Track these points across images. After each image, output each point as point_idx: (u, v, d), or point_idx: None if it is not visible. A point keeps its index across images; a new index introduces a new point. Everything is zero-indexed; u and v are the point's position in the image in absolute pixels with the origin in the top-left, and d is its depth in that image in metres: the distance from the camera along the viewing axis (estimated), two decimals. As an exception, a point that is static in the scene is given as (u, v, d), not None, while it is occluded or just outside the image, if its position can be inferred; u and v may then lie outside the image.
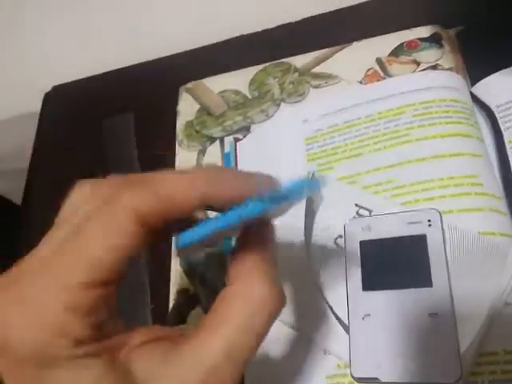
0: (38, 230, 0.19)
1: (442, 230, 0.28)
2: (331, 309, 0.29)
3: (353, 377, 0.27)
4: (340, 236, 0.30)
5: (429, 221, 0.28)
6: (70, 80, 0.57)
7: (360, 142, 0.35)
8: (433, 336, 0.26)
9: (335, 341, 0.27)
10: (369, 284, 0.28)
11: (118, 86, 0.53)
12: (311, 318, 0.29)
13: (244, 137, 0.42)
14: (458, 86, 0.35)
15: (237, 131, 0.43)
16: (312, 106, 0.38)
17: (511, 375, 0.26)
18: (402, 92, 0.35)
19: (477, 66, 0.39)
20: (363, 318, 0.27)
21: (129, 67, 0.54)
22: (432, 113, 0.34)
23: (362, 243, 0.29)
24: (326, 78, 0.42)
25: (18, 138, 0.64)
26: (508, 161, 0.33)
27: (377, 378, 0.26)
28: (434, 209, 0.29)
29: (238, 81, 0.46)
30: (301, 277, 0.30)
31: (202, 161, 0.43)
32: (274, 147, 0.39)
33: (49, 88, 0.58)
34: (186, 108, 0.46)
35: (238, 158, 0.41)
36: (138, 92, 0.51)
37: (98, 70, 0.55)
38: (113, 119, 0.52)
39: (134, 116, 0.50)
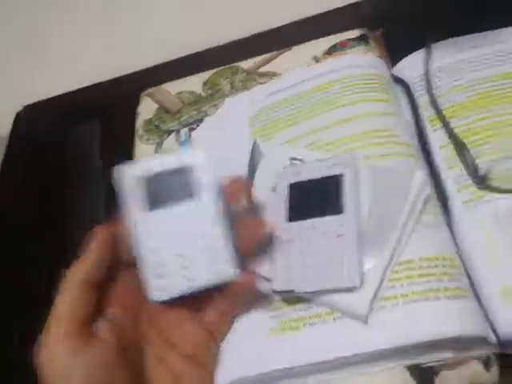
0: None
1: (356, 169, 0.32)
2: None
3: (273, 291, 0.30)
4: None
5: (346, 163, 0.32)
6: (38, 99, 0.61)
7: (297, 113, 0.40)
8: (339, 254, 0.29)
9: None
10: (293, 216, 0.32)
11: (84, 102, 0.57)
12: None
13: (197, 126, 0.47)
14: (377, 64, 0.42)
15: (191, 123, 0.47)
16: (258, 90, 0.44)
17: (426, 278, 0.29)
18: (332, 70, 0.41)
19: (397, 55, 0.45)
20: (286, 244, 0.31)
21: (94, 85, 0.59)
22: (355, 84, 0.40)
23: (291, 185, 0.33)
24: (271, 75, 0.48)
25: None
26: (420, 119, 0.38)
27: (293, 290, 0.30)
28: (350, 153, 0.33)
29: (192, 83, 0.51)
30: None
31: (158, 152, 0.47)
32: (222, 131, 0.43)
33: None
34: (146, 108, 0.51)
35: (192, 145, 0.45)
36: (103, 104, 0.56)
37: (66, 89, 0.59)
38: (78, 128, 0.56)
39: (99, 124, 0.55)
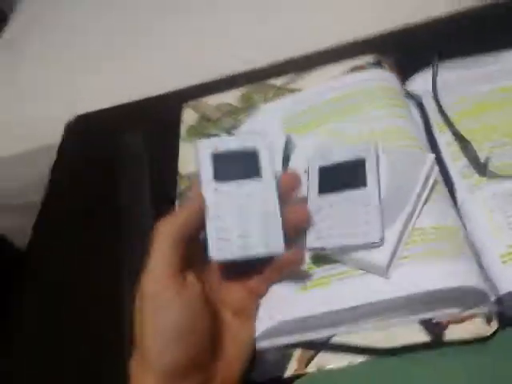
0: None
1: (377, 155, 0.38)
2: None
3: (307, 248, 0.36)
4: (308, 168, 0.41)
5: (368, 149, 0.39)
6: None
7: (323, 116, 0.47)
8: (364, 218, 0.36)
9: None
10: (323, 189, 0.38)
11: (133, 117, 0.64)
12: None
13: (235, 130, 0.54)
14: (391, 80, 0.49)
15: (229, 129, 0.55)
16: (288, 97, 0.51)
17: (436, 241, 0.35)
18: (354, 82, 0.49)
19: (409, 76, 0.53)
20: (317, 211, 0.37)
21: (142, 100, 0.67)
22: (374, 94, 0.47)
23: (321, 167, 0.39)
24: (297, 91, 0.56)
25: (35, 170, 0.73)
26: (430, 124, 0.45)
27: (324, 248, 0.36)
28: (371, 141, 0.40)
29: (230, 97, 0.58)
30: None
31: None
32: (259, 131, 0.50)
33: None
34: (188, 117, 0.58)
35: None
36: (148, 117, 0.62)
37: (116, 102, 0.67)
38: (125, 137, 0.63)
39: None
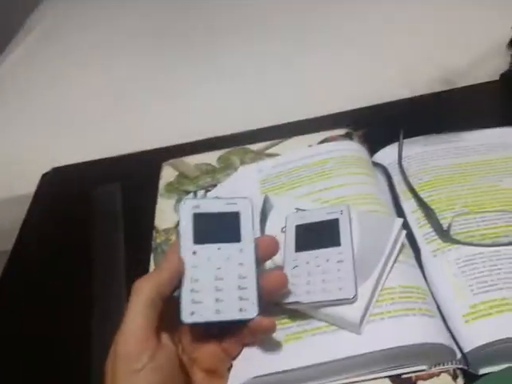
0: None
1: (349, 216, 0.41)
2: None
3: (283, 302, 0.37)
4: (285, 227, 0.43)
5: (341, 211, 0.41)
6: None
7: (298, 180, 0.50)
8: (338, 275, 0.37)
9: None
10: (299, 247, 0.40)
11: (111, 172, 0.66)
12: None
13: (212, 189, 0.56)
14: (361, 150, 0.53)
15: (207, 187, 0.57)
16: (266, 162, 0.55)
17: (405, 300, 0.37)
18: (328, 150, 0.52)
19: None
20: (293, 268, 0.39)
21: (122, 156, 0.68)
22: (346, 162, 0.50)
23: (297, 226, 0.41)
24: (274, 156, 0.59)
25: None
26: (395, 191, 0.49)
27: (298, 302, 0.37)
28: (344, 204, 0.43)
29: (208, 157, 0.61)
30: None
31: (177, 207, 0.55)
32: (236, 190, 0.53)
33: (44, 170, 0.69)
34: (167, 174, 0.60)
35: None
36: (125, 173, 0.64)
37: (94, 156, 0.69)
38: (101, 188, 0.64)
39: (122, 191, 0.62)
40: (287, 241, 0.41)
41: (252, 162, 0.58)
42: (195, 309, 0.34)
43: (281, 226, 0.43)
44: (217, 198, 0.40)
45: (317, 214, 0.42)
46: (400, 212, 0.47)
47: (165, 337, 0.33)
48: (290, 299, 0.37)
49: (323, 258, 0.38)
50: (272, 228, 0.44)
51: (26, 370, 0.45)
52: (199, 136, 0.67)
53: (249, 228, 0.37)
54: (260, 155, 0.60)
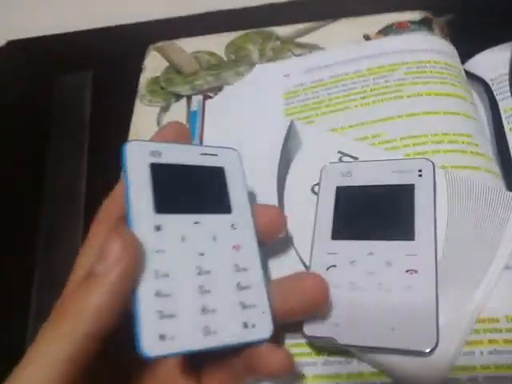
0: None
1: (434, 181, 0.24)
2: (301, 260, 0.23)
3: (304, 335, 0.21)
4: (318, 184, 0.26)
5: (419, 171, 0.24)
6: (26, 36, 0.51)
7: (346, 97, 0.31)
8: (407, 296, 0.21)
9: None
10: (339, 232, 0.23)
11: (80, 47, 0.48)
12: (281, 269, 0.23)
13: (215, 95, 0.38)
14: (451, 53, 0.33)
15: (207, 90, 0.38)
16: (295, 62, 0.35)
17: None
18: (395, 51, 0.32)
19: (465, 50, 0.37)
20: (327, 269, 0.22)
21: (93, 30, 0.50)
22: (426, 72, 0.31)
23: (339, 189, 0.24)
24: (311, 47, 0.39)
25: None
26: (503, 128, 0.30)
27: (332, 338, 0.21)
28: (426, 158, 0.25)
29: (213, 43, 0.42)
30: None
31: (163, 118, 0.38)
32: (249, 103, 0.35)
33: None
34: (153, 64, 0.42)
35: (205, 117, 0.37)
36: (101, 53, 0.46)
37: (60, 30, 0.50)
38: (69, 76, 0.47)
39: (93, 74, 0.46)
40: (320, 215, 0.24)
41: (275, 55, 0.39)
42: (166, 329, 0.19)
43: (312, 183, 0.26)
44: (187, 144, 0.23)
45: (374, 172, 0.24)
46: (506, 165, 0.29)
47: None
48: (320, 332, 0.21)
49: (381, 258, 0.22)
50: (295, 184, 0.27)
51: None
52: (202, 8, 0.47)
53: (241, 193, 0.22)
54: (288, 45, 0.40)
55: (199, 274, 0.20)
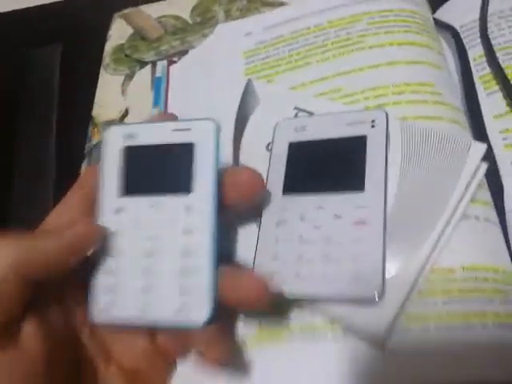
0: None
1: (387, 132, 0.23)
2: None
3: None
4: (271, 143, 0.25)
5: (372, 121, 0.23)
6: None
7: (307, 52, 0.30)
8: (354, 247, 0.20)
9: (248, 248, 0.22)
10: (290, 188, 0.23)
11: (47, 21, 0.47)
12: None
13: (180, 59, 0.36)
14: (419, 1, 0.31)
15: (173, 55, 0.37)
16: (256, 19, 0.34)
17: (470, 296, 0.20)
18: (357, 1, 0.31)
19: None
20: (277, 225, 0.22)
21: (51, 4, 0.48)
22: (389, 21, 0.30)
23: (292, 145, 0.23)
24: (278, 5, 0.38)
25: None
26: (472, 77, 0.29)
27: (283, 291, 0.21)
28: (380, 109, 0.24)
29: (178, 7, 0.40)
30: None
31: (128, 86, 0.37)
32: (211, 66, 0.33)
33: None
34: (118, 32, 0.40)
35: (170, 83, 0.36)
36: (65, 24, 0.45)
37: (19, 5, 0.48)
38: (39, 50, 0.46)
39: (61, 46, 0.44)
40: (272, 171, 0.23)
41: (242, 15, 0.38)
42: (109, 302, 0.21)
43: (267, 141, 0.25)
44: (164, 121, 0.22)
45: (328, 125, 0.23)
46: (474, 116, 0.28)
47: (31, 327, 0.19)
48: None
49: (330, 211, 0.21)
50: (251, 143, 0.26)
51: None
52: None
53: (207, 170, 0.21)
54: (254, 3, 0.39)
55: (147, 256, 0.21)
